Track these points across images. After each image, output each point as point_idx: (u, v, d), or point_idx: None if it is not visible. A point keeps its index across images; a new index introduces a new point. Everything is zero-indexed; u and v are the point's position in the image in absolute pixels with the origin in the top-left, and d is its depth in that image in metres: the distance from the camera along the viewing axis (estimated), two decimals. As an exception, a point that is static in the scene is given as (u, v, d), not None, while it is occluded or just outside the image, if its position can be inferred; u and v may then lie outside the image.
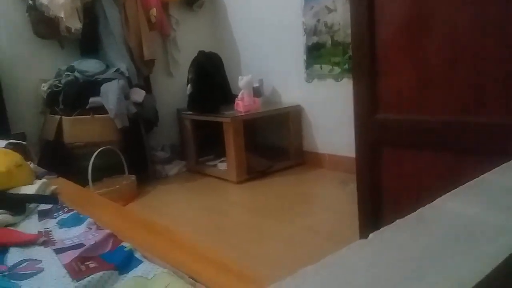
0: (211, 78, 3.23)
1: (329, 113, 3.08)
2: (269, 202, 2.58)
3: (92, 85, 2.81)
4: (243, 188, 2.91)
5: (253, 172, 3.04)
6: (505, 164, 0.55)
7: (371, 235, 0.36)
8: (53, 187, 1.36)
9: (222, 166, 3.19)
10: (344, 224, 1.97)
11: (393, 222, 0.38)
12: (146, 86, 3.30)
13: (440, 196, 0.43)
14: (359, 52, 1.29)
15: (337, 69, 2.97)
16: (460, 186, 0.47)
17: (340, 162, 2.98)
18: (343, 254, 0.33)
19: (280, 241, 1.97)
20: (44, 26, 2.88)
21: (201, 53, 3.32)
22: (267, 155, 3.27)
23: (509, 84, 1.00)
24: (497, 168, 0.53)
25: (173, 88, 3.65)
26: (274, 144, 3.55)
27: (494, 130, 1.03)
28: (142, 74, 3.27)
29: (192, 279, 0.71)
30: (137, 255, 0.83)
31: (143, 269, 0.78)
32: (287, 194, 2.71)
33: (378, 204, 1.29)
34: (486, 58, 1.03)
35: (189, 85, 3.25)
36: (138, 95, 3.03)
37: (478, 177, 0.50)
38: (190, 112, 3.33)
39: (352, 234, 1.57)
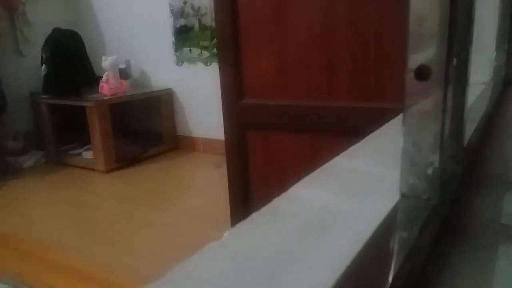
0: (69, 58, 2.93)
1: (200, 96, 3.06)
2: (141, 190, 2.47)
3: None
4: (112, 177, 2.73)
5: (124, 160, 2.88)
6: (353, 146, 0.59)
7: (225, 234, 0.35)
8: None
9: (87, 154, 2.96)
10: (219, 206, 1.99)
11: (261, 202, 0.38)
12: (-11, 66, 2.85)
13: (299, 176, 0.44)
14: (223, 39, 1.29)
15: (206, 53, 2.95)
16: (313, 172, 0.48)
17: (213, 145, 3.00)
18: (194, 261, 0.31)
19: (155, 229, 1.91)
20: None
21: (57, 31, 2.98)
22: (139, 141, 3.13)
23: (356, 71, 1.10)
24: (346, 151, 0.57)
25: (25, 68, 3.22)
26: (147, 130, 3.40)
27: (345, 113, 1.13)
28: (-18, 53, 2.81)
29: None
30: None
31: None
32: (161, 180, 2.63)
33: (247, 185, 1.33)
34: (338, 49, 1.12)
35: (44, 65, 2.90)
36: (-22, 77, 2.60)
37: (332, 156, 0.53)
38: (47, 96, 2.99)
39: (228, 216, 1.59)
